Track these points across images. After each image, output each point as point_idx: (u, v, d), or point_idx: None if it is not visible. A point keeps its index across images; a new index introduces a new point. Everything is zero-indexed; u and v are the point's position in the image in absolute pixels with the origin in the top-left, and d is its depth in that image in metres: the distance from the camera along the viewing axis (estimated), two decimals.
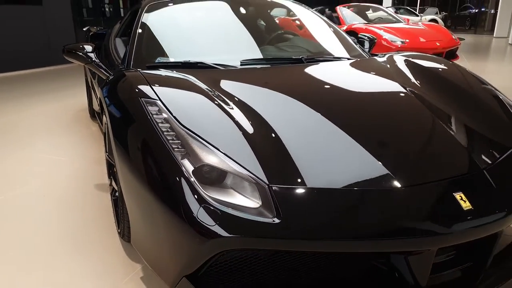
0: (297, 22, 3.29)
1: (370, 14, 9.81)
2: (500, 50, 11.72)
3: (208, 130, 1.49)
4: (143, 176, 1.46)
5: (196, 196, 1.29)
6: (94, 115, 4.20)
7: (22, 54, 7.76)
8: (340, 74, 2.26)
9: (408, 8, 17.18)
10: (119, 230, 1.98)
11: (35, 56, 8.02)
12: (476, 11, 21.70)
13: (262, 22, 3.07)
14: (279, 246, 1.25)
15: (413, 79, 2.12)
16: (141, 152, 1.51)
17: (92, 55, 2.43)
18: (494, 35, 16.02)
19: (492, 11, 19.03)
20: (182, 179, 1.33)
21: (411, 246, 1.29)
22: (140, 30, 2.48)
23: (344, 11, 9.35)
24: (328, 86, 2.06)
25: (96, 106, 3.74)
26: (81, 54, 2.42)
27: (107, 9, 14.35)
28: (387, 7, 12.17)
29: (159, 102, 1.60)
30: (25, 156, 3.27)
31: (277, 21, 3.22)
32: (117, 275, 1.76)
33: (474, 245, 1.48)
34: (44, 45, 8.18)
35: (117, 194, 1.88)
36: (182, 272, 1.35)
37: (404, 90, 1.97)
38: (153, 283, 1.71)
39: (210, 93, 1.75)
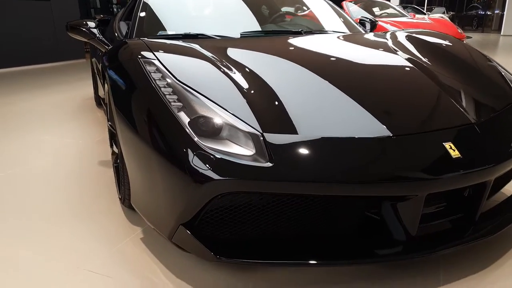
0: (304, 12, 3.30)
1: (377, 9, 9.82)
2: (508, 46, 11.66)
3: (204, 85, 1.53)
4: (141, 131, 1.49)
5: (191, 145, 1.32)
6: (100, 102, 4.27)
7: (30, 50, 7.88)
8: (336, 42, 2.29)
9: (416, 7, 17.12)
10: (120, 196, 2.02)
11: (43, 51, 8.15)
12: (483, 13, 21.67)
13: (264, 6, 3.11)
14: (272, 189, 1.28)
15: (411, 48, 2.14)
16: (139, 108, 1.55)
17: (95, 30, 2.48)
18: (502, 33, 15.96)
19: (498, 12, 18.98)
20: (178, 130, 1.37)
21: (400, 190, 1.31)
22: (142, 7, 2.53)
23: (351, 7, 9.37)
24: (324, 51, 2.09)
25: (102, 93, 3.81)
26: (84, 29, 2.48)
27: (115, 9, 14.52)
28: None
29: (157, 61, 1.64)
30: (33, 138, 3.33)
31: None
32: (117, 237, 1.79)
33: (464, 197, 1.50)
34: (51, 41, 8.30)
35: (118, 161, 1.93)
36: (179, 220, 1.38)
37: (400, 55, 2.00)
38: (153, 243, 1.74)
39: (207, 55, 1.79)
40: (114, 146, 2.08)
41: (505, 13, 15.60)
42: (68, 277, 1.53)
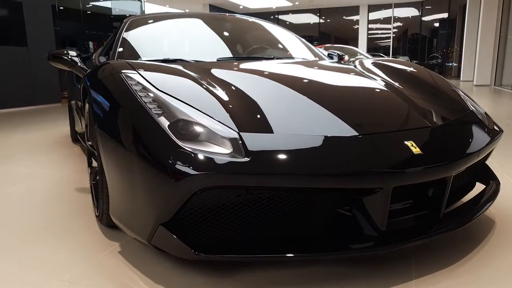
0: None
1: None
2: (467, 89, 12.45)
3: (183, 93, 1.63)
4: (122, 137, 1.56)
5: (171, 144, 1.39)
6: (77, 138, 4.28)
7: (6, 93, 7.86)
8: (307, 64, 2.48)
9: (382, 55, 18.21)
10: (97, 214, 2.03)
11: (19, 95, 8.14)
12: (443, 62, 23.42)
13: (239, 45, 3.29)
14: (249, 182, 1.35)
15: (376, 71, 2.32)
16: (120, 117, 1.62)
17: (76, 59, 2.58)
18: (461, 79, 17.02)
19: (456, 64, 20.53)
20: (159, 133, 1.44)
21: (367, 183, 1.40)
22: (121, 42, 2.63)
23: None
24: (295, 70, 2.26)
25: (79, 128, 3.83)
26: (66, 58, 2.57)
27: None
28: None
29: (138, 75, 1.74)
30: (7, 169, 3.29)
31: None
32: (95, 250, 1.79)
33: (428, 196, 1.61)
34: (28, 85, 8.33)
35: (97, 178, 1.95)
36: (159, 221, 1.42)
37: (366, 75, 2.17)
38: (131, 254, 1.74)
39: (188, 72, 1.91)
40: (93, 163, 2.11)
41: (462, 62, 16.76)
42: (44, 287, 1.51)
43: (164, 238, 1.43)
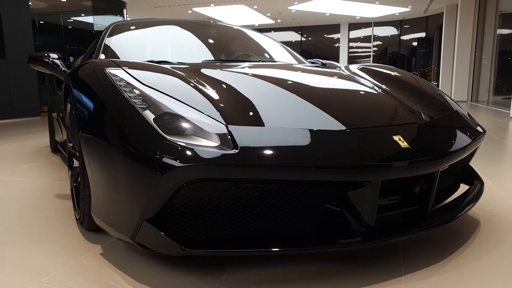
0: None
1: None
2: None
3: (170, 89, 1.60)
4: (106, 133, 1.51)
5: (156, 137, 1.36)
6: (56, 148, 4.17)
7: None
8: (295, 67, 2.50)
9: None
10: (78, 217, 1.96)
11: None
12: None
13: (223, 44, 3.29)
14: (237, 175, 1.32)
15: (363, 74, 2.35)
16: (104, 112, 1.58)
17: (58, 61, 2.52)
18: None
19: (434, 81, 21.13)
20: (144, 127, 1.41)
21: (355, 175, 1.39)
22: (103, 49, 2.60)
23: None
24: (284, 71, 2.28)
25: (59, 138, 3.74)
26: (47, 60, 2.51)
27: None
28: None
29: (122, 72, 1.70)
30: None
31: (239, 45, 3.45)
32: (75, 253, 1.72)
33: (416, 193, 1.61)
34: (5, 98, 8.15)
35: (78, 179, 1.89)
36: (144, 216, 1.37)
37: (353, 76, 2.20)
38: (113, 256, 1.68)
39: (175, 70, 1.89)
40: (74, 165, 2.05)
41: (440, 81, 17.21)
42: None
43: (149, 234, 1.38)
